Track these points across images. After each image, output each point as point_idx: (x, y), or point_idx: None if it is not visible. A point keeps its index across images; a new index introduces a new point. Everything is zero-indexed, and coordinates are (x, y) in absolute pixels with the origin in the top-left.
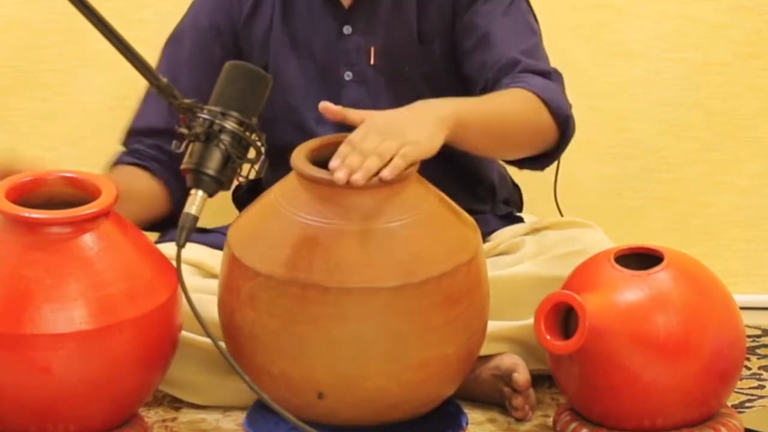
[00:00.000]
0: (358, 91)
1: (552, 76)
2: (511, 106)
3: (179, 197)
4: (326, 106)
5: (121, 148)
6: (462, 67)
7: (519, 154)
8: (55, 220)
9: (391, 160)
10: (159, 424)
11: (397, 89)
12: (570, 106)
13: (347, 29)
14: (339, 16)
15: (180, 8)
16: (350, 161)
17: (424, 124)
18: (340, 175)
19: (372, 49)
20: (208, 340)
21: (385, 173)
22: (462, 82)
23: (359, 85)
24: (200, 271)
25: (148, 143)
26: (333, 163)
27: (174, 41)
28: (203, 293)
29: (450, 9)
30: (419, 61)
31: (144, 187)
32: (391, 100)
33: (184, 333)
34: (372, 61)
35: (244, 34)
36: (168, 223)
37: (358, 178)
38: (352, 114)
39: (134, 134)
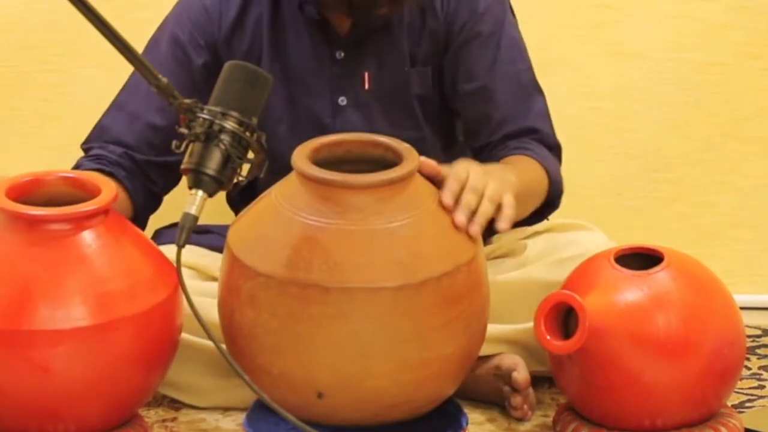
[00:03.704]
0: (353, 116)
1: (557, 151)
2: (536, 184)
3: (141, 205)
4: (425, 161)
5: (81, 153)
6: (452, 102)
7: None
8: (53, 216)
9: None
10: (159, 424)
11: (393, 113)
12: (561, 178)
13: (340, 54)
14: (332, 42)
15: None
16: (467, 201)
17: (505, 180)
18: (461, 219)
19: (366, 75)
20: (208, 343)
21: (502, 225)
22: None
23: (355, 110)
24: (199, 273)
25: (116, 151)
26: (446, 199)
27: (152, 49)
28: (202, 296)
29: (444, 40)
30: (413, 84)
31: None
32: (387, 125)
33: (183, 335)
34: (366, 86)
35: (224, 50)
36: None
37: (476, 229)
38: (446, 168)
39: (99, 141)
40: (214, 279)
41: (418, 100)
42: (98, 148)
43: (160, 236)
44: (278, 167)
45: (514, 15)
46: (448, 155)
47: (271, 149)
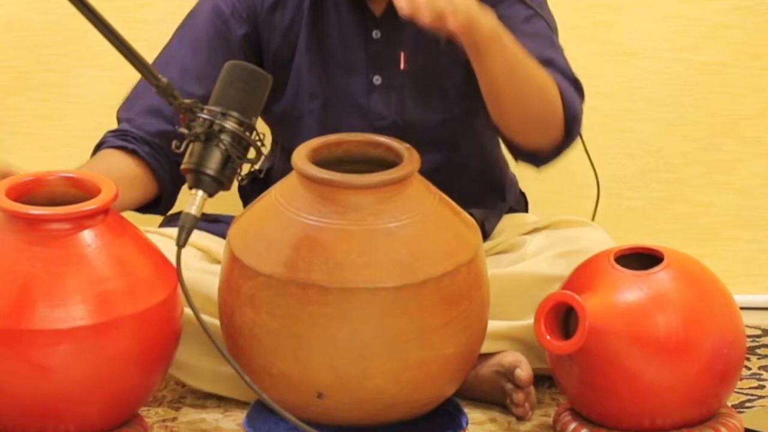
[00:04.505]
0: (386, 95)
1: (576, 85)
2: (539, 70)
3: (168, 181)
4: None
5: (81, 151)
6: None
7: (524, 124)
8: (53, 216)
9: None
10: (159, 424)
11: (427, 93)
12: (582, 112)
13: (376, 33)
14: (369, 22)
15: (180, 8)
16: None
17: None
18: (402, 4)
19: (402, 54)
20: (214, 321)
21: (452, 22)
22: None
23: (388, 89)
24: (207, 256)
25: (143, 123)
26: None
27: (191, 24)
28: (211, 275)
29: None
30: (448, 64)
31: (129, 173)
32: (421, 105)
33: (186, 312)
34: (402, 66)
35: (266, 24)
36: (151, 205)
37: (425, 15)
38: None
39: (131, 109)
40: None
41: (452, 79)
42: (125, 121)
43: (171, 221)
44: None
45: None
46: (477, 138)
47: (302, 125)
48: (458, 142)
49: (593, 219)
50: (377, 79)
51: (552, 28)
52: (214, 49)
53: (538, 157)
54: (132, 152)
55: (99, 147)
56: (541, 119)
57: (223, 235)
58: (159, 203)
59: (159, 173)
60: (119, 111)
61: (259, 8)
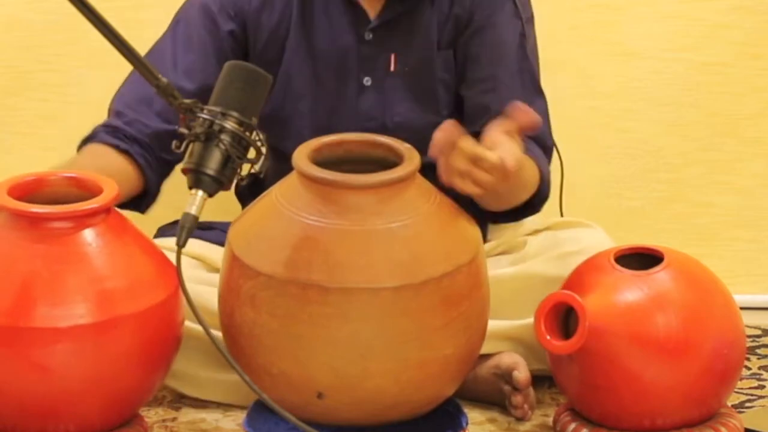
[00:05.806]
0: (376, 97)
1: (550, 153)
2: (527, 178)
3: (154, 180)
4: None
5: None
6: (458, 86)
7: (504, 211)
8: (55, 214)
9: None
10: (159, 424)
11: (415, 96)
12: (549, 183)
13: (368, 35)
14: (361, 23)
15: None
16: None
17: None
18: (512, 163)
19: (392, 56)
20: (214, 331)
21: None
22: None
23: (378, 91)
24: (204, 264)
25: (131, 118)
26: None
27: (180, 21)
28: (208, 285)
29: (465, 21)
30: (438, 67)
31: (117, 170)
32: (408, 107)
33: (187, 324)
34: (392, 68)
35: (253, 23)
36: (133, 202)
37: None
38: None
39: (119, 103)
40: (219, 270)
41: (443, 84)
42: (116, 115)
43: (164, 232)
44: (295, 146)
45: (532, 15)
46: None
47: (291, 125)
48: None
49: (561, 213)
50: (367, 81)
51: (536, 68)
52: (204, 45)
53: (506, 219)
54: (124, 152)
55: (88, 140)
56: (517, 203)
57: (217, 242)
58: (141, 201)
59: (147, 172)
60: (112, 101)
61: (247, 7)
